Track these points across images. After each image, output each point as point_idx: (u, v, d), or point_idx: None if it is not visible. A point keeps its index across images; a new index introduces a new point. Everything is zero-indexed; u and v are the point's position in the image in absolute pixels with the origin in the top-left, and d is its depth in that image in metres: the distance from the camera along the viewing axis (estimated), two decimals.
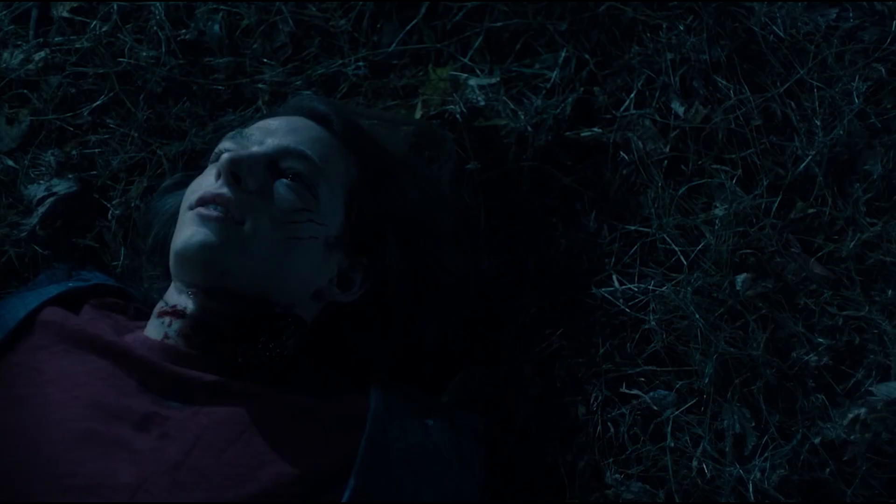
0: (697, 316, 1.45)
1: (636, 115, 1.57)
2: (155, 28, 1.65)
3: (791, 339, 1.45)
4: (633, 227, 1.52)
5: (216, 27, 1.65)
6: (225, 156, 1.25)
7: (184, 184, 1.36)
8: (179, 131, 1.61)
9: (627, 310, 1.48)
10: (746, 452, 1.40)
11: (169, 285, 1.29)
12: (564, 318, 1.49)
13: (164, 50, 1.64)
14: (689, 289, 1.47)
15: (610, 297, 1.49)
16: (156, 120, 1.61)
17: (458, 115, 1.56)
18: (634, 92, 1.58)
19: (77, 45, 1.65)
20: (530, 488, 1.42)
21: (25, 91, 1.63)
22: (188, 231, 1.22)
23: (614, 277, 1.50)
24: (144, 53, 1.64)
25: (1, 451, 1.13)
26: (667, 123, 1.56)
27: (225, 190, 1.23)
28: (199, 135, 1.59)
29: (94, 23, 1.66)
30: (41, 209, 1.55)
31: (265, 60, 1.64)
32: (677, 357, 1.45)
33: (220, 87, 1.63)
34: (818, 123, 1.54)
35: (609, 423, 1.43)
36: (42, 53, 1.65)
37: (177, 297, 1.26)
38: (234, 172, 1.24)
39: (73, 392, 1.17)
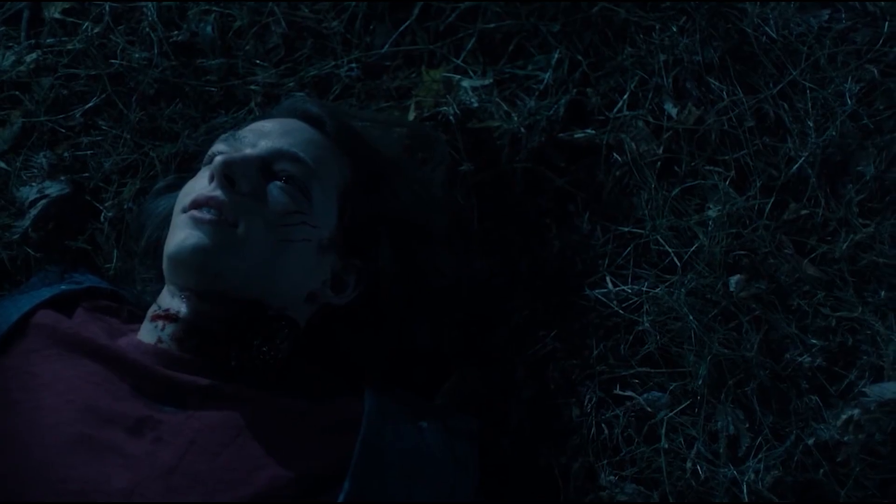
0: (691, 317, 1.45)
1: (629, 116, 1.57)
2: (147, 29, 1.64)
3: (784, 340, 1.45)
4: (626, 229, 1.52)
5: (208, 28, 1.65)
6: (218, 158, 1.25)
7: (176, 186, 1.35)
8: (172, 133, 1.60)
9: (621, 311, 1.48)
10: (740, 454, 1.40)
11: (162, 288, 1.29)
12: (558, 319, 1.49)
13: (156, 51, 1.63)
14: (682, 290, 1.47)
15: (603, 298, 1.49)
16: (148, 121, 1.61)
17: (451, 117, 1.56)
18: (627, 93, 1.58)
19: (69, 47, 1.64)
20: (524, 490, 1.42)
21: (17, 93, 1.63)
22: (182, 234, 1.22)
23: (608, 279, 1.50)
24: (137, 55, 1.63)
25: None
26: (660, 125, 1.56)
27: (218, 192, 1.23)
28: (191, 136, 1.59)
29: (86, 24, 1.65)
30: (33, 211, 1.54)
31: (258, 62, 1.64)
32: (671, 358, 1.45)
33: (212, 89, 1.63)
34: (811, 125, 1.54)
35: (603, 425, 1.43)
36: (34, 55, 1.64)
37: (170, 300, 1.26)
38: (228, 175, 1.23)
39: (67, 396, 1.16)
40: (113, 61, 1.63)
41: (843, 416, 1.40)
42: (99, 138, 1.60)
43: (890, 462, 1.38)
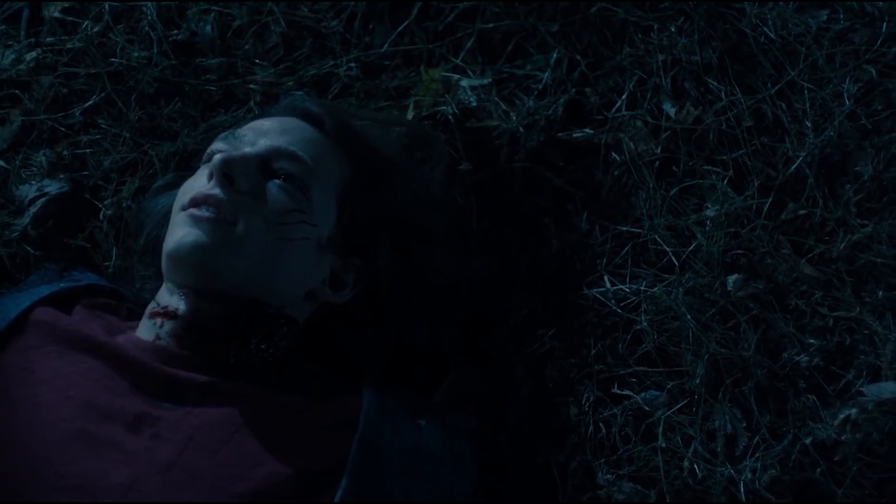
0: (689, 316, 1.45)
1: (628, 116, 1.57)
2: (147, 28, 1.65)
3: (782, 339, 1.45)
4: (624, 228, 1.52)
5: (208, 28, 1.65)
6: (217, 156, 1.25)
7: (176, 184, 1.36)
8: (171, 132, 1.60)
9: (619, 310, 1.48)
10: (737, 453, 1.40)
11: (161, 286, 1.29)
12: (556, 318, 1.49)
13: (155, 50, 1.63)
14: (680, 289, 1.47)
15: (601, 297, 1.49)
16: (147, 120, 1.61)
17: (449, 116, 1.56)
18: (626, 93, 1.58)
19: (68, 46, 1.64)
20: (522, 488, 1.42)
21: (17, 91, 1.63)
22: (180, 232, 1.22)
23: (606, 278, 1.50)
24: (136, 54, 1.64)
25: None
26: (658, 124, 1.56)
27: (217, 191, 1.23)
28: (190, 135, 1.59)
29: (86, 23, 1.65)
30: (33, 209, 1.55)
31: (257, 61, 1.64)
32: (669, 358, 1.45)
33: (211, 88, 1.63)
34: (809, 125, 1.54)
35: (601, 424, 1.43)
36: (33, 53, 1.64)
37: (168, 297, 1.26)
38: (227, 173, 1.24)
39: (66, 392, 1.17)
40: (112, 60, 1.63)
41: (841, 416, 1.40)
42: (98, 137, 1.61)
43: (887, 461, 1.38)
